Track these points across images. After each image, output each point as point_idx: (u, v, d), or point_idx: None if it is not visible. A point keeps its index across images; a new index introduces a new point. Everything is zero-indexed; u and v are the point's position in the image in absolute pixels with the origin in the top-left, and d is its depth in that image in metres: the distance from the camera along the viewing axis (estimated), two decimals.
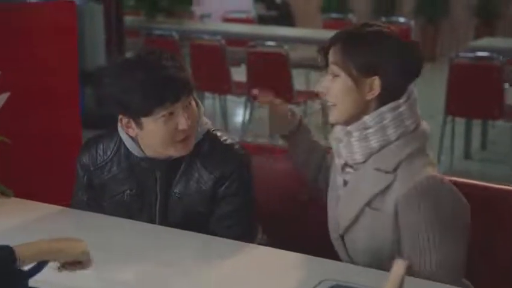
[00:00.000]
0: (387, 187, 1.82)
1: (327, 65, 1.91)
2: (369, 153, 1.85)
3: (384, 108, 1.84)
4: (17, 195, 2.32)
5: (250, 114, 6.17)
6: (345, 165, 1.91)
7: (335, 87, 1.87)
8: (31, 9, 3.15)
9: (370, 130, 1.84)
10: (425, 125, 1.91)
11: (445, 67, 5.38)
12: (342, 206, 1.92)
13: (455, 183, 2.08)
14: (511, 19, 9.20)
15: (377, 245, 1.85)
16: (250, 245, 2.01)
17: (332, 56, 1.89)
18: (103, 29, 6.46)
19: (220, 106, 6.78)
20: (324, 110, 6.15)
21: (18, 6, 3.14)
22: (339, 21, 8.27)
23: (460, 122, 5.65)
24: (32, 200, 2.28)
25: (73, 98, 3.29)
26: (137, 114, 1.99)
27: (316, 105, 6.09)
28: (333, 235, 1.98)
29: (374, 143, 1.84)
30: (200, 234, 2.02)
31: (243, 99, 6.26)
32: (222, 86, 6.16)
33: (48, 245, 1.53)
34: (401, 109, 1.85)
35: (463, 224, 1.83)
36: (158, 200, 2.11)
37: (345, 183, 1.92)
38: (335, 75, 1.87)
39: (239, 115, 6.93)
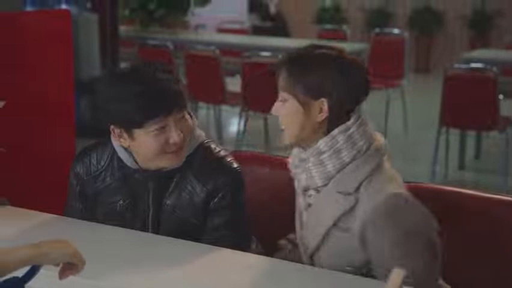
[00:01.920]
0: (352, 208, 1.84)
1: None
2: (326, 177, 1.87)
3: (335, 131, 1.87)
4: (12, 204, 2.32)
5: (245, 124, 6.17)
6: (307, 188, 1.93)
7: (284, 111, 1.91)
8: (26, 18, 3.16)
9: (325, 155, 1.87)
10: (379, 141, 1.91)
11: (439, 78, 5.41)
12: (307, 228, 1.95)
13: (450, 193, 2.09)
14: (505, 31, 9.24)
15: (347, 263, 1.87)
16: (244, 253, 2.00)
17: (279, 82, 1.92)
18: (97, 39, 6.47)
19: (214, 116, 6.79)
20: None
21: (14, 15, 3.15)
22: (334, 32, 8.31)
23: (455, 132, 5.67)
24: (27, 208, 2.28)
25: (67, 108, 3.28)
26: (128, 126, 1.99)
27: None
28: (303, 256, 1.99)
29: (330, 167, 1.87)
30: (194, 243, 2.02)
31: (237, 109, 6.27)
32: (217, 96, 6.17)
33: (31, 250, 1.51)
34: (351, 130, 1.87)
35: (428, 236, 1.83)
36: (151, 211, 2.11)
37: (309, 205, 1.94)
38: (284, 100, 1.90)
39: (234, 125, 6.93)
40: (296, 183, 1.98)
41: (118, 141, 2.06)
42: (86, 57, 6.26)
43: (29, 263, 1.51)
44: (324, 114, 1.86)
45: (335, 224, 1.86)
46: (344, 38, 7.90)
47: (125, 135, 2.02)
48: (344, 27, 8.69)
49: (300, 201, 1.98)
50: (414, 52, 10.30)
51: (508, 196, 2.14)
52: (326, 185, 1.87)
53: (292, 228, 2.23)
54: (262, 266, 1.93)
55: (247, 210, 2.13)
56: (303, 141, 1.89)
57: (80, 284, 1.76)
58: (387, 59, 6.91)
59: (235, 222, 2.09)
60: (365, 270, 1.85)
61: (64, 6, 6.20)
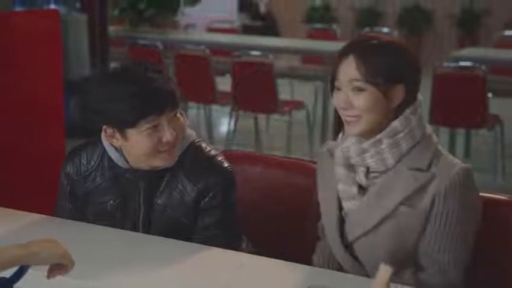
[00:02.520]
0: (425, 185, 1.88)
1: (333, 80, 1.92)
2: (400, 156, 1.90)
3: (407, 112, 1.90)
4: (1, 204, 2.31)
5: (235, 124, 6.17)
6: (368, 172, 1.94)
7: (361, 101, 1.88)
8: (15, 18, 3.15)
9: (401, 135, 1.89)
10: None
11: (429, 77, 5.41)
12: (361, 212, 1.93)
13: None
14: (493, 29, 9.27)
15: (399, 245, 1.90)
16: (235, 252, 2.01)
17: (350, 71, 1.89)
18: (87, 39, 6.45)
19: (204, 116, 6.78)
20: (309, 119, 6.19)
21: (2, 15, 3.14)
22: (324, 31, 8.32)
23: (444, 131, 5.69)
24: (16, 209, 2.27)
25: (57, 108, 3.28)
26: (121, 126, 1.99)
27: (301, 114, 6.10)
28: (336, 246, 1.99)
29: (404, 146, 1.90)
30: (185, 243, 2.02)
31: (227, 109, 6.26)
32: (207, 96, 6.16)
33: (22, 250, 1.50)
34: (418, 110, 1.93)
35: (479, 215, 1.93)
36: (142, 211, 2.11)
37: (364, 190, 1.94)
38: (359, 90, 1.87)
39: (224, 125, 6.93)
40: (343, 171, 1.96)
41: (110, 141, 2.05)
42: (75, 57, 6.24)
43: (18, 263, 1.50)
44: (401, 99, 1.89)
45: (405, 200, 1.88)
46: (334, 38, 7.91)
47: (117, 135, 2.01)
48: (334, 26, 8.71)
49: (343, 189, 1.97)
50: None
51: (497, 194, 2.15)
52: (397, 163, 1.90)
53: (282, 228, 2.24)
54: (253, 265, 1.94)
55: (238, 209, 2.13)
56: (379, 127, 1.90)
57: (70, 285, 1.75)
58: None
59: (226, 222, 2.09)
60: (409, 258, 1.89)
61: (52, 6, 6.18)
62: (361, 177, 1.94)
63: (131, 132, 1.98)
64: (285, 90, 6.60)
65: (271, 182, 2.38)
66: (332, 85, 1.94)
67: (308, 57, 7.33)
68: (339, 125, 1.98)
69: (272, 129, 6.84)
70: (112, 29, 7.29)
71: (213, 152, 2.12)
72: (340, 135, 2.00)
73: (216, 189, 2.06)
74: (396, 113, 1.90)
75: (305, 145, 6.15)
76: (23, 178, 3.04)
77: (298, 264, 1.95)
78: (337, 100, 1.92)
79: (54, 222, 2.17)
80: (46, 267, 1.57)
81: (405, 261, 1.90)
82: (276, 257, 1.95)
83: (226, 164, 2.10)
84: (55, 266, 1.55)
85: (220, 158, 2.11)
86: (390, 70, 1.88)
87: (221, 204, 2.07)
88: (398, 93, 1.89)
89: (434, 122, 5.38)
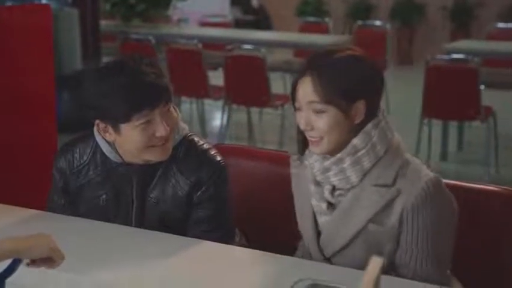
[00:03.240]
0: (392, 200, 1.84)
1: (294, 100, 1.87)
2: (363, 173, 1.86)
3: (369, 127, 1.85)
4: None
5: (228, 118, 6.16)
6: (334, 189, 1.90)
7: (322, 123, 1.83)
8: (6, 13, 3.13)
9: (362, 152, 1.85)
10: (394, 132, 1.93)
11: (421, 70, 5.43)
12: (332, 229, 1.91)
13: None
14: (486, 22, 9.28)
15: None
16: (228, 246, 2.01)
17: (308, 93, 1.84)
18: (78, 33, 6.43)
19: (197, 110, 6.77)
20: None
21: None
22: (316, 24, 8.31)
23: (437, 123, 5.69)
24: (8, 204, 2.26)
25: (48, 102, 3.27)
26: (114, 121, 1.98)
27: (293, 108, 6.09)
28: (317, 258, 1.96)
29: (367, 163, 1.85)
30: (178, 236, 2.02)
31: (220, 103, 6.26)
32: (199, 90, 6.15)
33: (15, 243, 1.51)
34: (381, 124, 1.87)
35: (454, 221, 1.88)
36: (135, 205, 2.10)
37: (333, 206, 1.91)
38: (321, 111, 1.83)
39: (217, 119, 6.92)
40: (313, 188, 1.92)
41: (103, 135, 2.05)
42: (67, 52, 6.22)
43: (10, 257, 1.50)
44: (362, 115, 1.85)
45: (372, 218, 1.85)
46: (326, 31, 7.90)
47: (110, 130, 2.01)
48: (327, 19, 8.69)
49: (315, 204, 1.93)
50: (396, 44, 10.33)
51: (490, 186, 2.15)
52: (361, 180, 1.86)
53: (275, 221, 2.24)
54: (245, 258, 1.94)
55: (231, 203, 2.13)
56: (342, 146, 1.85)
57: (62, 279, 1.75)
58: (370, 51, 6.87)
59: (219, 216, 2.09)
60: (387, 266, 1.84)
61: (44, 1, 6.15)
62: (327, 195, 1.91)
63: (124, 127, 1.97)
64: (277, 84, 6.59)
65: (264, 175, 2.38)
66: (293, 104, 1.90)
67: (301, 50, 7.32)
68: (304, 141, 1.92)
69: (265, 123, 6.84)
70: (103, 24, 7.27)
71: (205, 146, 2.12)
72: (307, 151, 1.94)
73: (208, 183, 2.06)
74: (359, 129, 1.85)
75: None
76: (15, 173, 3.03)
77: (289, 257, 1.96)
78: (299, 121, 1.88)
79: (47, 217, 2.17)
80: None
81: (386, 271, 1.86)
82: (268, 251, 1.94)
83: (219, 158, 2.10)
84: (43, 259, 1.55)
85: (213, 152, 2.11)
86: (349, 88, 1.83)
87: (214, 197, 2.07)
88: (360, 110, 1.84)
89: (427, 114, 5.39)
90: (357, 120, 1.85)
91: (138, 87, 1.95)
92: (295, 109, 1.89)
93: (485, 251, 2.10)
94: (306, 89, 1.84)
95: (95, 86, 1.98)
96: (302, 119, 1.86)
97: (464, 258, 1.98)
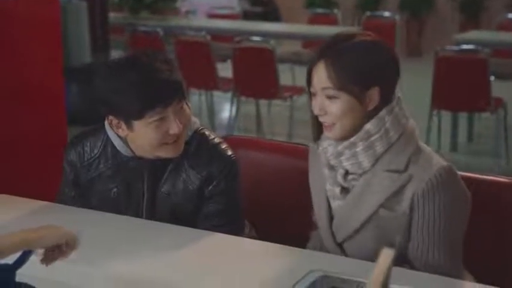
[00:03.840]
0: (403, 186, 1.84)
1: (310, 85, 1.88)
2: (375, 158, 1.86)
3: (382, 113, 1.85)
4: (2, 191, 2.31)
5: (237, 110, 6.16)
6: (347, 173, 1.91)
7: (335, 109, 1.84)
8: (15, 5, 3.13)
9: (375, 137, 1.85)
10: (410, 118, 1.93)
11: (431, 61, 5.40)
12: (345, 213, 1.91)
13: None
14: (495, 13, 9.23)
15: (383, 246, 1.85)
16: (238, 238, 2.01)
17: (322, 79, 1.85)
18: (87, 26, 6.44)
19: (206, 102, 6.77)
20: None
21: (2, 1, 3.12)
22: (324, 16, 8.28)
23: (447, 114, 5.67)
24: (18, 195, 2.27)
25: (58, 95, 3.27)
26: (128, 117, 1.98)
27: (302, 100, 6.08)
28: (329, 245, 1.96)
29: (379, 148, 1.85)
30: (188, 228, 2.02)
31: (229, 95, 6.25)
32: (208, 82, 6.15)
33: (27, 234, 1.52)
34: (395, 110, 1.87)
35: (466, 211, 1.88)
36: (145, 198, 2.10)
37: (346, 191, 1.91)
38: (333, 97, 1.84)
39: (225, 111, 6.92)
40: (327, 172, 1.93)
41: (116, 131, 2.04)
42: (76, 44, 6.22)
43: (21, 248, 1.51)
44: (376, 102, 1.84)
45: (384, 203, 1.85)
46: (335, 22, 7.87)
47: (123, 126, 2.00)
48: (335, 11, 8.66)
49: (329, 188, 1.94)
50: (405, 35, 10.28)
51: (500, 177, 2.14)
52: (373, 166, 1.86)
53: (285, 213, 2.23)
54: (255, 250, 1.94)
55: (241, 197, 2.12)
56: (355, 131, 1.86)
57: (74, 271, 1.75)
58: None
59: (229, 210, 2.08)
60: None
61: None
62: (340, 179, 1.91)
63: (137, 124, 1.97)
64: (286, 75, 6.58)
65: (273, 167, 2.38)
66: (308, 89, 1.91)
67: (309, 42, 7.30)
68: (318, 126, 1.93)
69: (273, 115, 6.83)
70: (112, 16, 7.27)
71: (216, 140, 2.11)
72: (322, 136, 1.95)
73: (219, 178, 2.06)
74: (373, 114, 1.85)
75: (307, 130, 6.11)
76: (25, 165, 3.04)
77: (301, 249, 1.95)
78: (313, 106, 1.88)
79: (57, 209, 2.17)
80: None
81: (395, 261, 1.86)
82: (278, 242, 1.94)
83: (230, 152, 2.10)
84: (55, 251, 1.57)
85: (224, 146, 2.10)
86: (363, 75, 1.82)
87: (225, 192, 2.07)
88: (373, 96, 1.84)
89: (437, 106, 5.36)
90: (371, 107, 1.85)
91: (151, 85, 1.93)
92: (311, 94, 1.90)
93: (496, 243, 2.09)
94: (320, 75, 1.85)
95: (108, 82, 1.97)
96: (317, 104, 1.87)
97: (474, 250, 1.97)
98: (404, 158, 1.85)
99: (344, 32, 1.93)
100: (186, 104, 2.04)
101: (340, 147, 1.88)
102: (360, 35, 1.89)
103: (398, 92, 1.91)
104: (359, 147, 1.86)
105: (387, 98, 1.86)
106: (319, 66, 1.85)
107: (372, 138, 1.85)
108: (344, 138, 1.87)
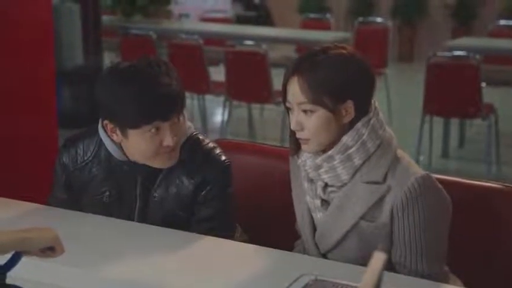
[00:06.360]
0: (382, 197, 1.84)
1: (285, 100, 1.88)
2: (353, 170, 1.86)
3: (359, 125, 1.86)
4: None
5: (229, 114, 6.16)
6: (326, 186, 1.91)
7: (311, 123, 1.85)
8: (5, 5, 3.12)
9: (352, 149, 1.85)
10: (387, 127, 1.93)
11: (422, 67, 5.42)
12: (327, 225, 1.92)
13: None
14: (487, 20, 9.26)
15: (367, 256, 1.85)
16: (231, 241, 2.00)
17: (296, 94, 1.85)
18: (80, 28, 6.42)
19: (198, 106, 6.76)
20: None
21: None
22: (317, 21, 8.30)
23: (438, 120, 5.69)
24: (9, 198, 2.26)
25: (49, 97, 3.26)
26: (124, 125, 1.97)
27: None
28: (313, 255, 1.96)
29: (357, 160, 1.86)
30: (180, 231, 2.02)
31: (221, 98, 6.25)
32: (201, 85, 6.15)
33: (17, 234, 1.51)
34: (372, 121, 1.87)
35: (447, 217, 1.88)
36: (138, 203, 2.10)
37: (327, 203, 1.91)
38: (310, 112, 1.84)
39: (218, 115, 6.91)
40: (306, 185, 1.94)
41: (110, 135, 2.03)
42: (68, 46, 6.21)
43: (12, 248, 1.50)
44: (352, 115, 1.85)
45: (364, 215, 1.85)
46: (328, 27, 7.89)
47: (118, 132, 1.99)
48: (328, 16, 8.68)
49: (309, 201, 1.94)
50: (397, 41, 10.31)
51: (491, 183, 2.14)
52: (352, 178, 1.86)
53: (276, 217, 2.23)
54: (246, 254, 1.93)
55: (234, 202, 2.12)
56: (333, 144, 1.86)
57: (64, 273, 1.75)
58: (371, 48, 6.90)
59: (222, 215, 2.08)
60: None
61: None
62: (319, 192, 1.92)
63: (132, 133, 1.96)
64: (279, 80, 6.56)
65: (265, 171, 2.38)
66: (284, 105, 1.91)
67: (302, 47, 7.31)
68: (296, 141, 1.92)
69: (266, 119, 6.84)
70: (105, 19, 7.25)
71: (210, 145, 2.10)
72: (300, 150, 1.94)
73: (212, 183, 2.05)
74: (350, 127, 1.86)
75: None
76: (16, 168, 3.03)
77: (292, 253, 1.95)
78: (290, 121, 1.89)
79: (48, 211, 2.16)
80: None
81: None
82: (269, 246, 1.94)
83: (223, 157, 2.09)
84: (44, 251, 1.56)
85: (218, 151, 2.09)
86: (337, 89, 1.83)
87: (218, 197, 2.06)
88: (349, 109, 1.84)
89: (428, 111, 5.38)
90: (347, 120, 1.85)
91: (152, 99, 1.92)
92: (287, 110, 1.90)
93: (486, 248, 2.10)
94: (295, 90, 1.85)
95: (109, 90, 1.96)
96: (293, 119, 1.87)
97: (464, 256, 1.97)
98: (382, 169, 1.85)
99: (318, 46, 1.92)
100: (182, 114, 2.03)
101: (318, 160, 1.88)
102: (334, 48, 1.89)
103: (375, 103, 1.91)
104: (337, 160, 1.86)
105: (363, 110, 1.86)
106: (293, 81, 1.85)
107: (350, 151, 1.85)
108: (320, 151, 1.88)
